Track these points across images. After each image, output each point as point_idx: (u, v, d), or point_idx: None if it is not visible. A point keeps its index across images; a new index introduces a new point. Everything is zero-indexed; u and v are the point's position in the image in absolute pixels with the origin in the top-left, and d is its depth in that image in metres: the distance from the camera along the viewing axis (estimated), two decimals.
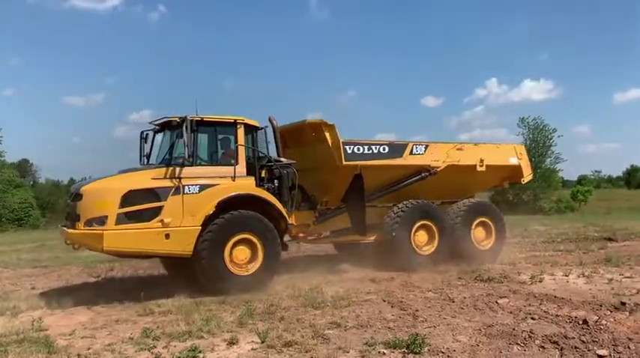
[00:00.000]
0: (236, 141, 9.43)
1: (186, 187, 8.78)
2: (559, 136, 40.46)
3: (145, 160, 9.86)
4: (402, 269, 10.41)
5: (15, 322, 7.37)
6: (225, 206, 8.96)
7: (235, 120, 9.52)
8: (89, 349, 6.01)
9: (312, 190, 10.98)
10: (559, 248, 14.39)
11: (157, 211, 8.58)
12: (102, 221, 8.31)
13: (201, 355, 5.64)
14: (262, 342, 6.01)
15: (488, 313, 7.22)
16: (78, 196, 8.63)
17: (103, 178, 9.03)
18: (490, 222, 11.94)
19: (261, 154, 9.90)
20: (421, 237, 11.17)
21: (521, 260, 12.02)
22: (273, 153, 10.23)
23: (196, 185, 8.85)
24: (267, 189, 9.72)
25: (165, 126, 9.66)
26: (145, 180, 8.78)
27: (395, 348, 5.66)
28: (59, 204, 37.13)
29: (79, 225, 8.38)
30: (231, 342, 6.08)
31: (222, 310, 7.73)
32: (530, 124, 40.69)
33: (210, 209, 8.82)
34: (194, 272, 8.89)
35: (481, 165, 11.78)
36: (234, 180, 9.15)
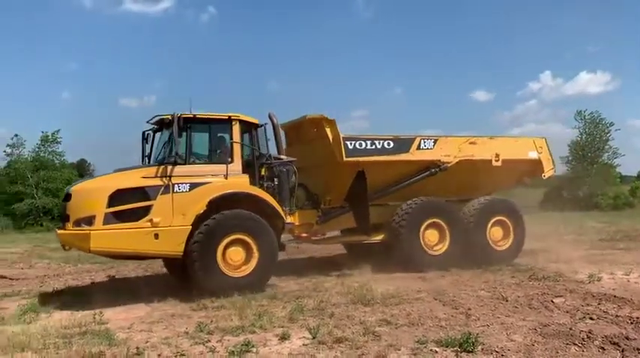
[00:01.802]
0: (231, 139, 9.17)
1: (176, 186, 8.58)
2: (616, 130, 38.77)
3: (147, 160, 9.69)
4: (414, 270, 10.05)
5: (77, 315, 7.69)
6: (219, 205, 8.69)
7: (230, 116, 9.25)
8: (147, 342, 6.22)
9: (316, 189, 10.67)
10: (618, 246, 13.86)
11: (145, 211, 8.41)
12: (89, 221, 8.22)
13: (254, 349, 5.74)
14: (313, 338, 6.06)
15: (543, 312, 7.03)
16: (68, 196, 8.63)
17: (94, 178, 9.24)
18: (508, 221, 11.31)
19: (259, 152, 9.58)
20: (431, 236, 10.64)
21: (578, 258, 11.60)
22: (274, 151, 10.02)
23: (187, 183, 8.63)
24: (267, 188, 9.42)
25: (162, 125, 9.50)
26: (135, 179, 8.65)
27: (447, 347, 5.60)
28: None
29: (69, 226, 8.37)
30: (283, 337, 6.17)
31: (274, 306, 7.84)
32: (586, 118, 39.20)
33: (200, 208, 8.56)
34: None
35: (497, 160, 11.21)
36: (227, 178, 8.88)
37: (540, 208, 32.65)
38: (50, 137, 38.52)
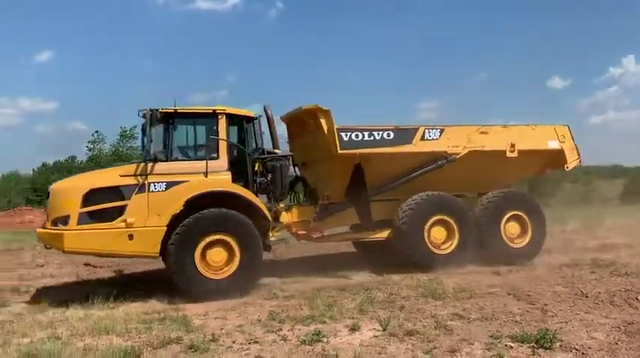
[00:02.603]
0: (217, 134, 8.73)
1: (152, 185, 8.27)
2: None
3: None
4: (419, 270, 9.38)
5: (156, 302, 8.08)
6: (202, 204, 8.31)
7: (214, 110, 8.84)
8: (222, 329, 6.43)
9: (315, 184, 10.31)
10: None
11: (120, 211, 8.17)
12: (65, 221, 8.09)
13: (324, 339, 5.80)
14: (384, 330, 6.05)
15: (627, 310, 6.66)
16: (48, 195, 8.63)
17: (75, 176, 9.11)
18: (525, 216, 10.45)
19: (251, 147, 9.19)
20: (438, 233, 9.95)
21: None
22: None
23: (163, 182, 8.30)
24: (259, 184, 9.04)
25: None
26: (111, 177, 8.48)
27: (523, 342, 5.43)
28: None
29: (48, 225, 8.37)
30: (353, 328, 6.19)
31: (343, 297, 7.87)
32: None
33: (177, 208, 8.18)
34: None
35: (512, 151, 10.31)
36: (207, 176, 8.46)
37: (621, 201, 31.00)
38: (128, 132, 40.50)
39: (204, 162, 8.48)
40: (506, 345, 5.42)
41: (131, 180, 8.27)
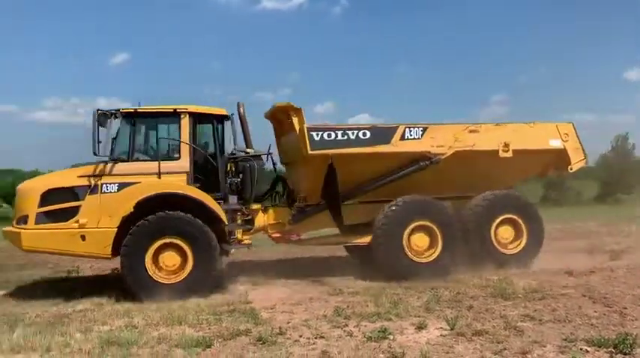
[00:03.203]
0: (179, 134, 8.56)
1: (104, 186, 8.25)
2: None
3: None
4: (397, 280, 8.71)
5: (226, 294, 8.32)
6: (155, 206, 8.15)
7: (176, 109, 8.67)
8: (288, 323, 6.53)
9: (294, 185, 10.00)
10: None
11: (74, 211, 8.19)
12: (25, 220, 8.23)
13: (391, 337, 5.78)
14: (451, 329, 5.96)
15: None
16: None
17: (41, 175, 9.07)
18: (520, 220, 9.64)
19: (218, 146, 9.00)
20: (419, 240, 9.25)
21: None
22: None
23: (115, 183, 8.27)
24: (230, 185, 8.88)
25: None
26: (68, 178, 8.47)
27: (600, 347, 5.19)
28: None
29: (13, 223, 8.52)
30: (420, 327, 6.13)
31: (409, 295, 7.81)
32: None
33: (127, 209, 8.08)
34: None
35: (506, 150, 9.46)
36: (159, 177, 8.38)
37: None
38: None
39: (171, 162, 8.49)
40: (581, 349, 5.20)
41: (86, 181, 8.31)
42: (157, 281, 8.06)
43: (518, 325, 6.05)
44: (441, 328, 6.08)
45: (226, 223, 8.48)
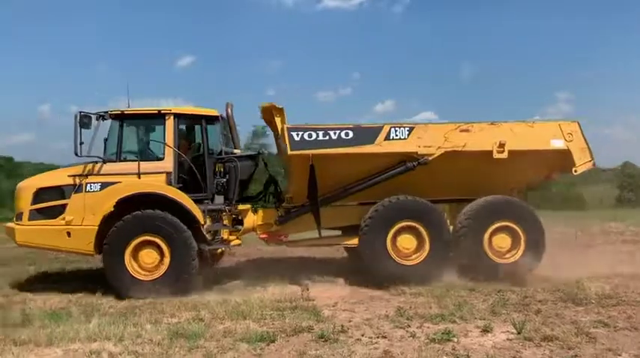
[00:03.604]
0: (164, 135, 8.70)
1: (89, 185, 8.52)
2: None
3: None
4: (382, 282, 8.53)
5: (287, 291, 8.41)
6: (136, 206, 8.31)
7: (160, 111, 8.84)
8: (350, 321, 6.56)
9: (283, 186, 9.92)
10: None
11: (62, 209, 8.50)
12: (20, 217, 8.65)
13: (455, 339, 5.69)
14: (518, 333, 5.79)
15: None
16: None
17: (38, 175, 9.35)
18: (517, 228, 8.98)
19: (205, 147, 9.00)
20: (405, 242, 8.89)
21: None
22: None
23: (98, 183, 8.51)
24: (216, 185, 8.89)
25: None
26: (59, 177, 8.80)
27: None
28: None
29: (13, 220, 8.94)
30: (485, 330, 6.00)
31: (474, 297, 7.66)
32: None
33: (108, 208, 8.30)
34: None
35: (500, 151, 8.81)
36: (139, 177, 8.55)
37: None
38: (260, 131, 42.47)
39: (155, 162, 8.69)
40: None
41: (73, 180, 8.58)
42: (136, 278, 8.26)
43: (590, 331, 5.81)
44: (508, 332, 5.92)
45: (203, 223, 8.52)
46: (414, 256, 8.85)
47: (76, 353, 5.49)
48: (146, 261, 8.35)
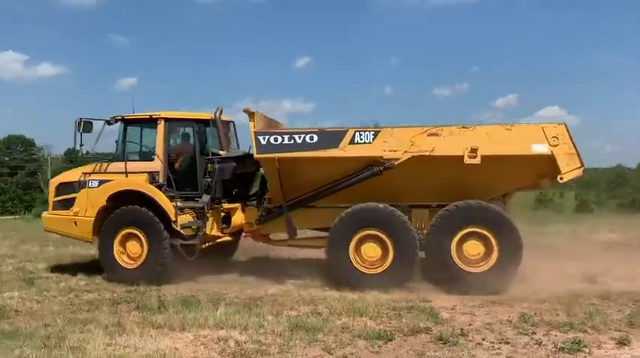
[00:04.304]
0: (156, 137, 9.62)
1: (91, 182, 9.72)
2: None
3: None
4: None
5: (403, 291, 8.31)
6: (129, 200, 9.33)
7: (151, 116, 9.69)
8: (470, 325, 6.36)
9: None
10: None
11: (72, 201, 9.77)
12: (48, 207, 10.27)
13: (586, 349, 5.32)
14: None
15: None
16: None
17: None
18: (490, 235, 8.24)
19: (197, 149, 9.74)
20: (370, 250, 8.57)
21: None
22: None
23: (97, 180, 9.68)
24: (205, 184, 9.50)
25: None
26: (74, 174, 10.16)
27: None
28: None
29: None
30: (621, 342, 5.54)
31: (607, 306, 7.09)
32: None
33: (102, 203, 9.41)
34: None
35: (472, 156, 8.17)
36: (127, 176, 9.48)
37: None
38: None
39: (149, 162, 9.60)
40: None
41: (82, 177, 9.85)
42: (121, 266, 9.37)
43: None
44: None
45: (174, 219, 9.15)
46: (377, 264, 8.59)
47: (206, 339, 5.86)
48: (132, 251, 9.41)
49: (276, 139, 8.84)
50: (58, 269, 10.55)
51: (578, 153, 8.26)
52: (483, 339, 5.78)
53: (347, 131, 8.74)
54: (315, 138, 8.74)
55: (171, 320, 6.46)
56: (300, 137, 8.77)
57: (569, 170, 8.21)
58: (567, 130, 8.29)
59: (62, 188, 10.20)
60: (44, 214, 10.63)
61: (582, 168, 8.26)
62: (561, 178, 8.25)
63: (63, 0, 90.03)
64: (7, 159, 46.03)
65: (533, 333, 5.93)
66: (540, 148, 8.26)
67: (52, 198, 10.30)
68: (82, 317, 6.84)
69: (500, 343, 5.65)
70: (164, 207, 9.19)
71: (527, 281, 8.32)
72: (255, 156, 8.93)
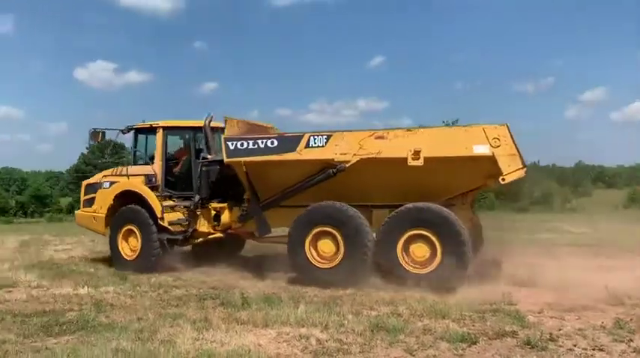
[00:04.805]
0: (156, 144, 10.91)
1: (104, 183, 11.23)
2: None
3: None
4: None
5: (486, 293, 8.02)
6: (127, 199, 10.71)
7: (151, 125, 10.99)
8: (560, 330, 6.07)
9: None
10: None
11: (94, 200, 11.30)
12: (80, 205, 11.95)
13: None
14: None
15: None
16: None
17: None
18: (432, 237, 8.33)
19: (193, 154, 10.90)
20: (325, 246, 9.03)
21: None
22: None
23: (108, 181, 11.19)
24: (195, 186, 10.64)
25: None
26: (98, 176, 11.74)
27: None
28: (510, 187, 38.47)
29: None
30: None
31: None
32: None
33: (109, 201, 10.83)
34: None
35: (415, 158, 8.38)
36: (128, 179, 10.86)
37: None
38: (451, 126, 41.72)
39: (150, 166, 10.89)
40: None
41: (102, 179, 11.44)
42: (124, 257, 10.71)
43: None
44: None
45: (160, 216, 10.29)
46: (331, 260, 8.97)
47: (288, 336, 5.97)
48: (132, 244, 10.69)
49: (242, 145, 9.50)
50: None
51: (520, 154, 8.29)
52: (575, 345, 5.51)
53: (303, 135, 9.28)
54: (276, 142, 9.38)
55: (255, 317, 6.64)
56: (262, 142, 9.43)
57: (510, 171, 8.26)
58: (509, 131, 8.32)
59: (88, 188, 11.78)
60: (77, 211, 12.38)
61: (524, 169, 8.27)
62: (503, 179, 8.30)
63: (142, 10, 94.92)
64: (100, 161, 49.20)
65: (630, 340, 5.59)
66: (482, 149, 8.34)
67: (82, 197, 11.88)
68: (172, 311, 7.19)
69: (593, 350, 5.37)
70: (152, 206, 10.40)
71: (622, 285, 7.82)
72: (225, 160, 9.66)
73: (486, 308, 7.08)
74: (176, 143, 11.47)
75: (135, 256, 10.53)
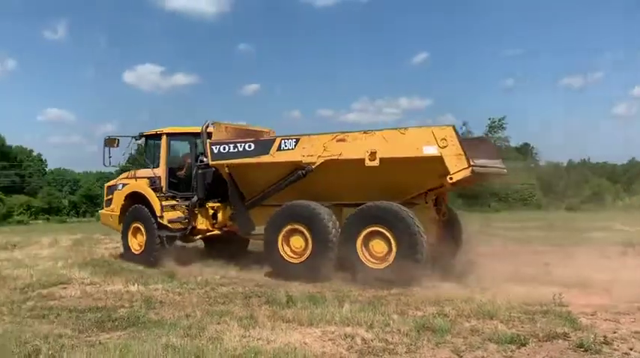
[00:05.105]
0: (160, 149, 11.87)
1: (119, 185, 12.37)
2: None
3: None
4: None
5: (535, 293, 7.82)
6: (135, 200, 11.81)
7: (156, 132, 11.92)
8: (614, 333, 5.86)
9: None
10: None
11: (112, 200, 12.45)
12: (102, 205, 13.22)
13: None
14: None
15: None
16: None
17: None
18: (387, 233, 8.81)
19: (193, 157, 11.82)
20: (296, 242, 9.62)
21: None
22: None
23: (122, 183, 12.34)
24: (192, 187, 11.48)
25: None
26: (118, 179, 12.82)
27: None
28: (559, 185, 37.55)
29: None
30: None
31: None
32: None
33: (121, 201, 12.01)
34: None
35: (372, 159, 8.88)
36: (136, 181, 12.01)
37: None
38: (497, 123, 40.81)
39: (155, 169, 11.83)
40: None
41: (118, 181, 12.62)
42: (133, 252, 11.80)
43: None
44: None
45: (159, 215, 11.24)
46: (300, 256, 9.53)
47: (333, 335, 5.97)
48: (139, 240, 11.72)
49: (224, 148, 10.25)
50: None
51: (465, 154, 8.50)
52: (631, 349, 5.31)
53: (275, 139, 10.01)
54: (252, 146, 10.03)
55: (300, 315, 6.68)
56: (241, 146, 10.10)
57: (457, 170, 8.51)
58: (455, 132, 8.63)
59: (108, 190, 12.94)
60: (100, 211, 13.77)
61: (470, 169, 8.46)
62: (451, 178, 8.54)
63: (188, 14, 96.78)
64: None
65: None
66: (431, 150, 8.69)
67: (104, 197, 13.10)
68: (219, 309, 7.32)
69: None
70: (153, 205, 11.39)
71: None
72: (210, 163, 10.53)
73: (536, 310, 6.90)
74: (180, 148, 12.54)
75: (141, 251, 11.67)
